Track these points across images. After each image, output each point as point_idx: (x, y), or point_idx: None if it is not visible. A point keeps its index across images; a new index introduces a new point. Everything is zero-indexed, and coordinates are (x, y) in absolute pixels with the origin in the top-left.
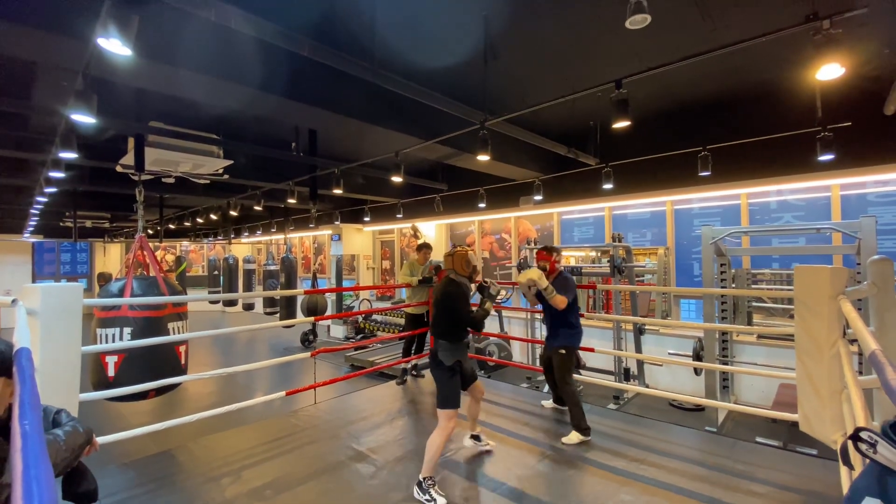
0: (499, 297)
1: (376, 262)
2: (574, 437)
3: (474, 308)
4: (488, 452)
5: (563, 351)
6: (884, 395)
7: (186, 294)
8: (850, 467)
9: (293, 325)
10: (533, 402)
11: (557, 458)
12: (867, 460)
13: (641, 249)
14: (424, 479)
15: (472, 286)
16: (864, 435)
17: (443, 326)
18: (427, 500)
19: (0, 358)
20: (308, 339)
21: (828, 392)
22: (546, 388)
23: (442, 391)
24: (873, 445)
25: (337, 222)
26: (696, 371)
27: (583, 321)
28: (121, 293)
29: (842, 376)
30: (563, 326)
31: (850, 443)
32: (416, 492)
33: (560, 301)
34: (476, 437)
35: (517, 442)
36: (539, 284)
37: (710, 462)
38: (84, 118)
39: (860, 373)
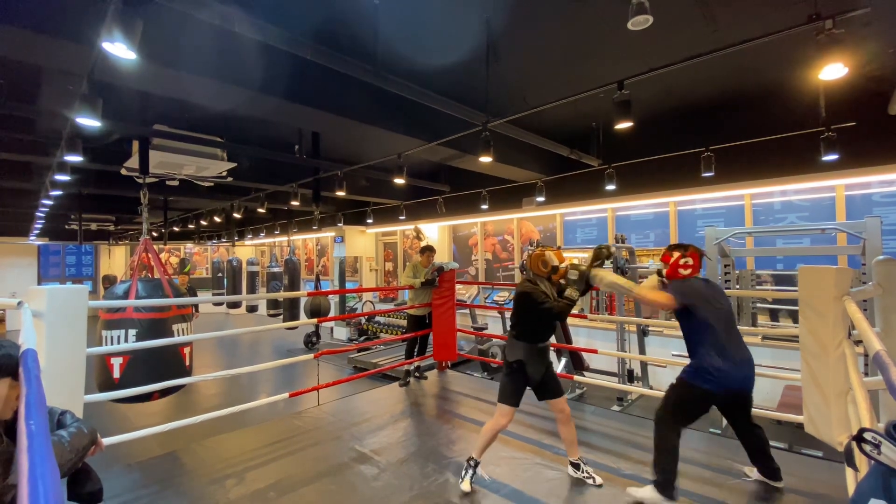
0: (597, 281)
1: (379, 264)
2: (649, 493)
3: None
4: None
5: (675, 381)
6: (889, 396)
7: (197, 295)
8: (855, 469)
9: (296, 327)
10: (535, 403)
11: (561, 460)
12: (872, 461)
13: (645, 250)
14: (469, 458)
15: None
16: (868, 436)
17: (512, 326)
18: (461, 477)
19: (7, 360)
20: (311, 341)
21: (833, 393)
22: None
23: (500, 385)
24: (877, 446)
25: (340, 224)
26: None
27: (585, 322)
28: (126, 295)
29: (847, 377)
30: (690, 351)
31: (854, 444)
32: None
33: (657, 295)
34: (575, 465)
35: (520, 444)
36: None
37: (714, 464)
38: (89, 121)
39: (865, 374)
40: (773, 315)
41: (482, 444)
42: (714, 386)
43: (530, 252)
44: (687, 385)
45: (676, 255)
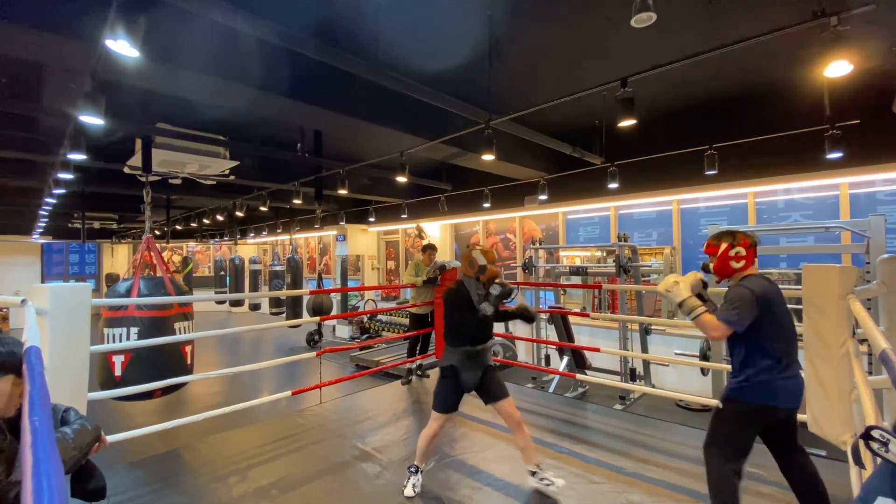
0: (509, 300)
1: (381, 263)
2: None
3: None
4: (504, 461)
5: (720, 406)
6: (894, 394)
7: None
8: (862, 467)
9: (299, 326)
10: (538, 401)
11: (562, 458)
12: (879, 460)
13: (647, 249)
14: (411, 465)
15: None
16: (875, 434)
17: (444, 330)
18: (405, 483)
19: (10, 357)
20: (313, 339)
21: (837, 392)
22: (552, 387)
23: (434, 390)
24: (885, 444)
25: (342, 223)
26: (703, 371)
27: (587, 321)
28: (128, 293)
29: (851, 376)
30: (735, 364)
31: (861, 442)
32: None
33: (709, 326)
34: (532, 473)
35: None
36: (673, 296)
37: None
38: (92, 120)
39: (870, 373)
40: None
41: (421, 451)
42: (771, 399)
43: (463, 251)
44: (737, 403)
45: (724, 245)
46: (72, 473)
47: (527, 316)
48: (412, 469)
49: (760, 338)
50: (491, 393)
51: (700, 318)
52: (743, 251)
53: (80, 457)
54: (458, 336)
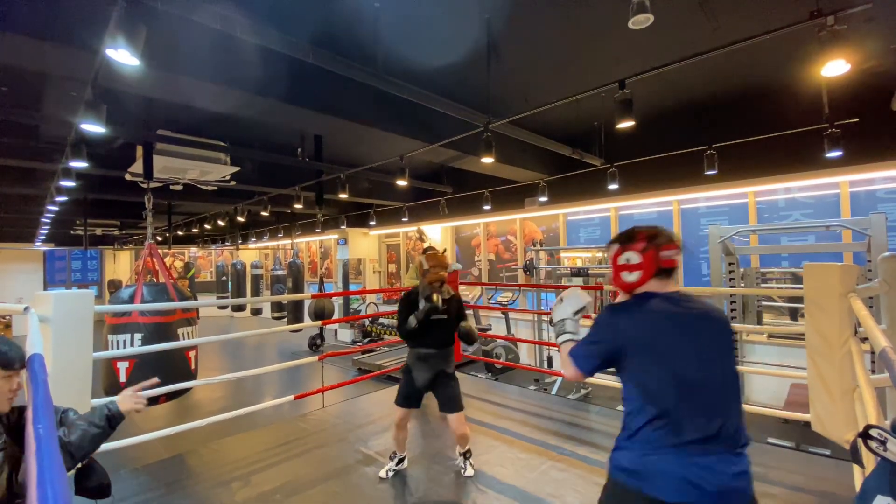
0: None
1: (382, 266)
2: None
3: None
4: (491, 459)
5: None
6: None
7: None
8: (861, 465)
9: (301, 330)
10: (541, 403)
11: (565, 461)
12: (878, 458)
13: None
14: (391, 452)
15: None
16: (874, 432)
17: None
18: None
19: None
20: (316, 344)
21: (839, 391)
22: (555, 388)
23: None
24: (883, 443)
25: (343, 226)
26: None
27: (588, 323)
28: (131, 300)
29: (853, 375)
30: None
31: (860, 440)
32: None
33: (562, 361)
34: (463, 455)
35: (525, 444)
36: (553, 313)
37: None
38: (93, 128)
39: (872, 371)
40: (793, 314)
41: (393, 441)
42: (650, 488)
43: None
44: (616, 486)
45: (613, 250)
46: (75, 473)
47: (467, 340)
48: (391, 456)
49: (632, 388)
50: (443, 402)
51: (563, 346)
52: (636, 258)
53: (81, 457)
54: (409, 337)
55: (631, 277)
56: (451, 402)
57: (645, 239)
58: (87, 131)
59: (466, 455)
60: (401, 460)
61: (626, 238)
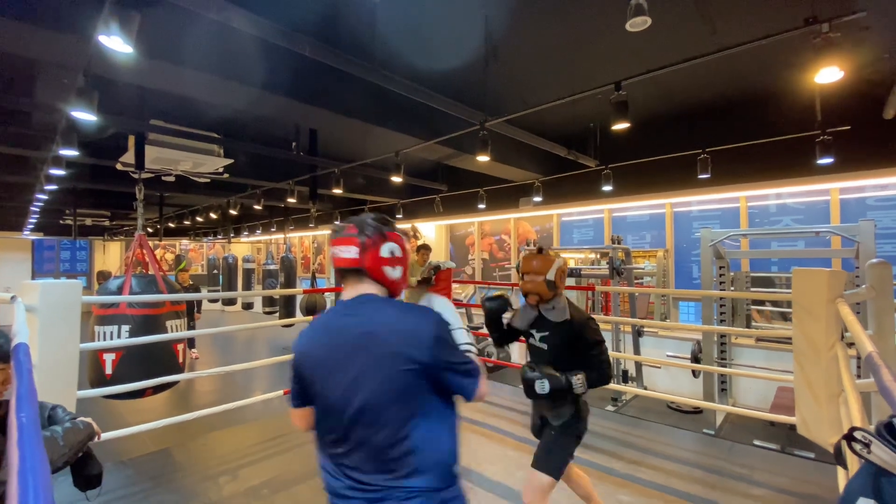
0: None
1: None
2: None
3: None
4: (488, 455)
5: None
6: (881, 397)
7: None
8: (845, 468)
9: (292, 325)
10: (530, 402)
11: None
12: (862, 461)
13: (640, 251)
14: None
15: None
16: (858, 435)
17: None
18: None
19: None
20: None
21: (825, 395)
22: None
23: None
24: (867, 445)
25: (337, 222)
26: (695, 373)
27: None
28: (119, 291)
29: (839, 379)
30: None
31: (844, 443)
32: None
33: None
34: None
35: (516, 443)
36: None
37: (707, 464)
38: (85, 116)
39: (858, 376)
40: (785, 318)
41: None
42: None
43: None
44: None
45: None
46: (72, 463)
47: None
48: None
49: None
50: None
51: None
52: (398, 250)
53: (71, 455)
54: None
55: (394, 273)
56: (537, 456)
57: (397, 231)
58: (79, 119)
59: None
60: None
61: (384, 224)
